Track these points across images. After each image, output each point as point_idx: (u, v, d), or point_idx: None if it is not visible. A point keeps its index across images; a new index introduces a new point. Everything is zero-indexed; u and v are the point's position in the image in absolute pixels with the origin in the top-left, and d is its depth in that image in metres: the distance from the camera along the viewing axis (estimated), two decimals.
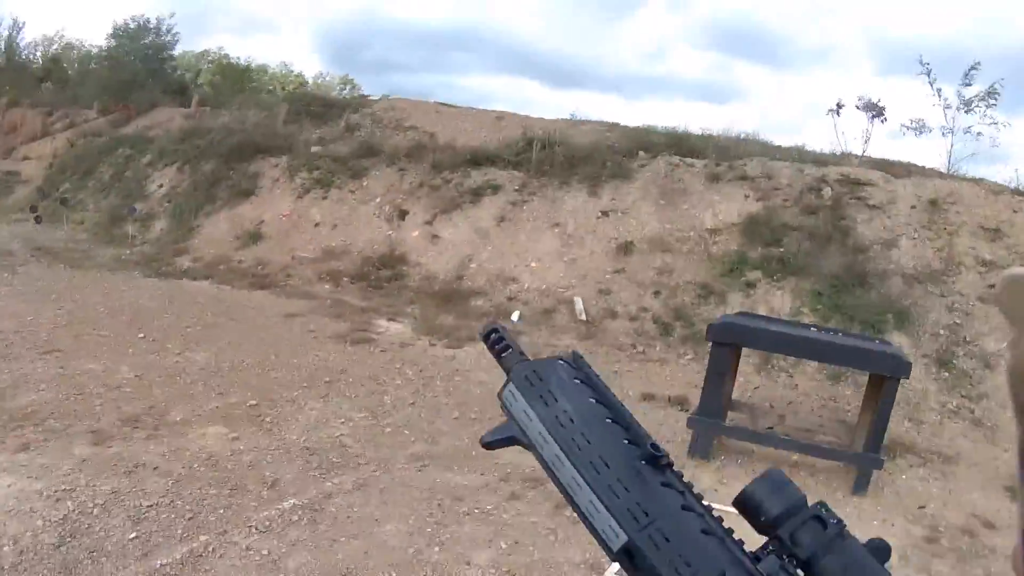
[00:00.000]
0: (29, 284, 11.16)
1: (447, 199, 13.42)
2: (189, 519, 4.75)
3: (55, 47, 33.19)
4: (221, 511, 4.89)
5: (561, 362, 0.72)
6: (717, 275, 10.66)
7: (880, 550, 0.59)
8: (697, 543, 0.58)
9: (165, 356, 8.07)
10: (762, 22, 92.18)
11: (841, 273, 10.16)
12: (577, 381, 0.70)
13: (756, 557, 0.60)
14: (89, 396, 6.70)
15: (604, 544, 0.61)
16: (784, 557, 0.59)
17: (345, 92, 32.16)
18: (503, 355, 0.76)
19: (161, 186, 17.29)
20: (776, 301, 10.08)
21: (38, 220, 15.47)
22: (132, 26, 27.28)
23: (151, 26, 27.42)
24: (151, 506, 4.85)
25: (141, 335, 8.74)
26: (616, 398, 0.69)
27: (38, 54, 32.85)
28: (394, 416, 6.94)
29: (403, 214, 13.51)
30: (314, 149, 16.06)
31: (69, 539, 4.37)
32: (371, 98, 20.13)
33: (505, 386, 0.71)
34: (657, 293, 10.66)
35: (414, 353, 9.06)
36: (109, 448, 5.67)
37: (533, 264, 11.71)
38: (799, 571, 0.59)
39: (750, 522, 0.62)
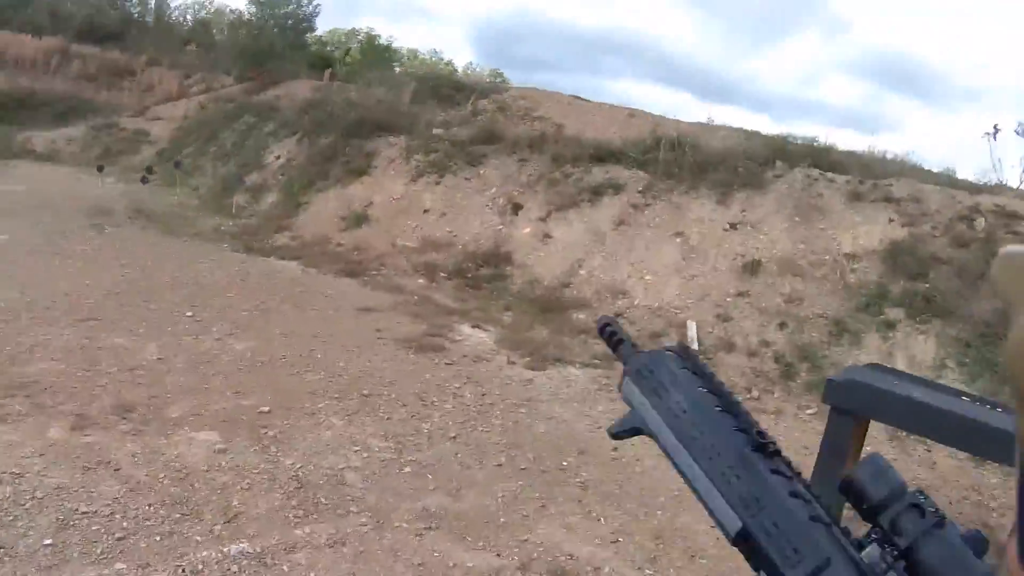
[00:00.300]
0: (107, 247, 10.85)
1: (565, 195, 12.16)
2: (118, 539, 3.92)
3: (205, 11, 33.66)
4: (157, 538, 3.98)
5: (669, 353, 0.78)
6: (853, 309, 8.98)
7: (978, 541, 0.60)
8: (805, 530, 0.61)
9: (202, 340, 7.31)
10: (919, 57, 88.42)
11: (993, 321, 8.35)
12: (686, 371, 0.75)
13: (860, 544, 0.62)
14: (97, 375, 6.09)
15: (723, 529, 0.65)
16: (885, 546, 0.60)
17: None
18: (618, 348, 0.83)
19: (278, 157, 16.90)
20: (918, 348, 8.35)
21: (144, 181, 15.27)
22: None
23: None
24: (86, 513, 4.11)
25: (189, 313, 8.07)
26: (725, 386, 0.74)
27: (188, 16, 33.40)
28: (424, 452, 5.63)
29: (517, 208, 12.45)
30: (435, 131, 15.28)
31: None
32: (503, 84, 19.28)
33: (623, 379, 0.78)
34: (783, 325, 9.04)
35: (485, 371, 7.73)
36: (84, 437, 5.01)
37: (648, 277, 10.30)
38: (900, 560, 0.60)
39: (854, 507, 0.64)
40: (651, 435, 0.72)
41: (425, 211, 13.14)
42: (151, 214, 13.85)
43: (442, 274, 11.19)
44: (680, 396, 0.71)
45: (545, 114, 15.59)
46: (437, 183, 13.68)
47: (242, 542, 4.08)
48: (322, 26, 28.76)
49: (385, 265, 11.67)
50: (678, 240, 10.63)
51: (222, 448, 5.12)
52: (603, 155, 12.73)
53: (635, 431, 0.74)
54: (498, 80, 33.93)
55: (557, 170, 12.66)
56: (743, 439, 0.67)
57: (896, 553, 0.59)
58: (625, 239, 10.97)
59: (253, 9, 27.27)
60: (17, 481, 4.38)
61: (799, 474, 0.67)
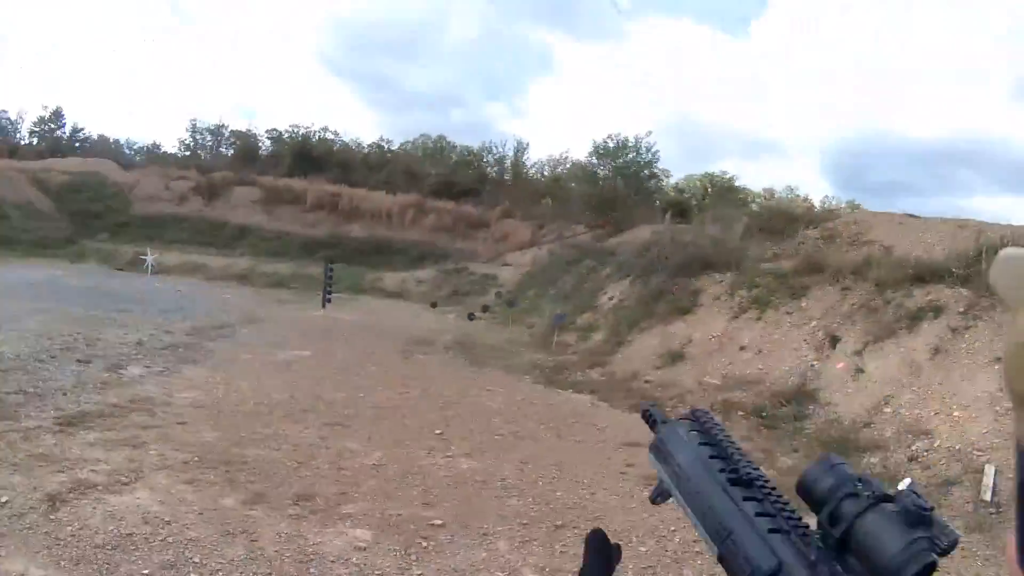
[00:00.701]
0: (405, 370, 11.76)
1: (883, 324, 10.74)
2: None
3: (561, 167, 35.76)
4: None
5: (682, 421, 0.85)
6: None
7: (913, 515, 0.62)
8: (761, 542, 0.69)
9: (433, 456, 7.41)
10: None
11: None
12: (694, 433, 0.83)
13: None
14: (305, 467, 6.53)
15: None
16: (826, 539, 0.65)
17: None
18: (653, 428, 0.87)
19: (611, 298, 17.26)
20: None
21: (471, 318, 16.38)
22: (611, 145, 28.27)
23: (629, 144, 28.19)
24: (195, 564, 4.48)
25: (439, 431, 8.26)
26: (724, 435, 0.82)
27: (545, 172, 35.66)
28: None
29: (834, 341, 11.23)
30: (763, 266, 14.66)
31: None
32: (835, 211, 18.18)
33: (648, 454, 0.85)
34: None
35: None
36: (250, 510, 5.39)
37: (956, 413, 8.60)
38: (838, 548, 0.65)
39: (810, 507, 0.69)
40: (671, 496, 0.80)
41: (741, 348, 12.41)
42: (472, 347, 14.75)
43: (739, 412, 10.26)
44: (680, 458, 0.80)
45: (875, 237, 14.29)
46: (758, 319, 12.91)
47: None
48: (677, 173, 29.33)
49: (684, 402, 10.89)
50: (997, 366, 8.81)
51: (363, 547, 5.02)
52: (924, 274, 11.12)
53: (665, 494, 0.82)
54: (853, 210, 32.36)
55: (879, 296, 11.41)
56: (724, 477, 0.76)
57: (831, 542, 0.64)
58: (940, 370, 9.32)
59: (595, 161, 28.50)
60: (162, 526, 4.86)
61: (779, 496, 0.74)
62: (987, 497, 7.06)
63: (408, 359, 12.57)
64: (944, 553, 0.62)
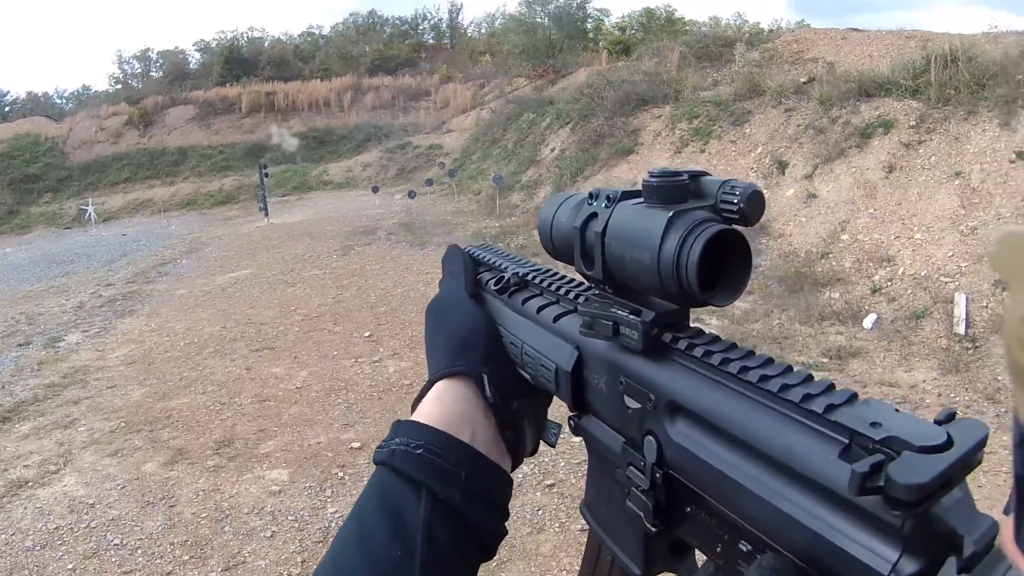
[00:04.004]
0: (341, 269, 11.59)
1: (831, 144, 10.45)
2: (124, 573, 4.27)
3: (499, 21, 34.80)
4: None
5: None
6: None
7: (664, 191, 0.55)
8: (552, 336, 0.68)
9: (359, 364, 7.38)
10: None
11: None
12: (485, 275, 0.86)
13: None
14: (229, 407, 6.57)
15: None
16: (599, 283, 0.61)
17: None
18: None
19: (553, 149, 16.89)
20: None
21: (411, 196, 15.98)
22: None
23: None
24: (116, 546, 4.55)
25: (368, 334, 8.24)
26: (490, 252, 0.87)
27: (483, 30, 34.75)
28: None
29: (783, 167, 11.02)
30: (703, 94, 14.16)
31: None
32: (774, 31, 17.56)
33: None
34: None
35: None
36: (170, 471, 5.45)
37: (918, 236, 8.37)
38: None
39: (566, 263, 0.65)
40: None
41: None
42: (417, 227, 14.59)
43: None
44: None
45: (817, 54, 13.75)
46: (702, 151, 12.68)
47: None
48: (618, 12, 28.39)
49: None
50: (956, 182, 8.54)
51: (277, 490, 5.10)
52: (871, 88, 10.75)
53: None
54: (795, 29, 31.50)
55: (825, 115, 11.01)
56: (494, 289, 0.80)
57: (603, 280, 0.59)
58: (897, 189, 9.06)
59: (527, 10, 27.49)
60: (86, 511, 4.97)
61: (561, 277, 0.74)
62: (960, 329, 6.81)
63: (347, 255, 12.51)
64: (738, 220, 0.52)
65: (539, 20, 26.65)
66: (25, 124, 34.19)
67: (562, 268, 0.77)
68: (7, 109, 51.33)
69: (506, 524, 0.70)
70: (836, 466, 0.40)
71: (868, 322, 7.31)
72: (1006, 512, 0.34)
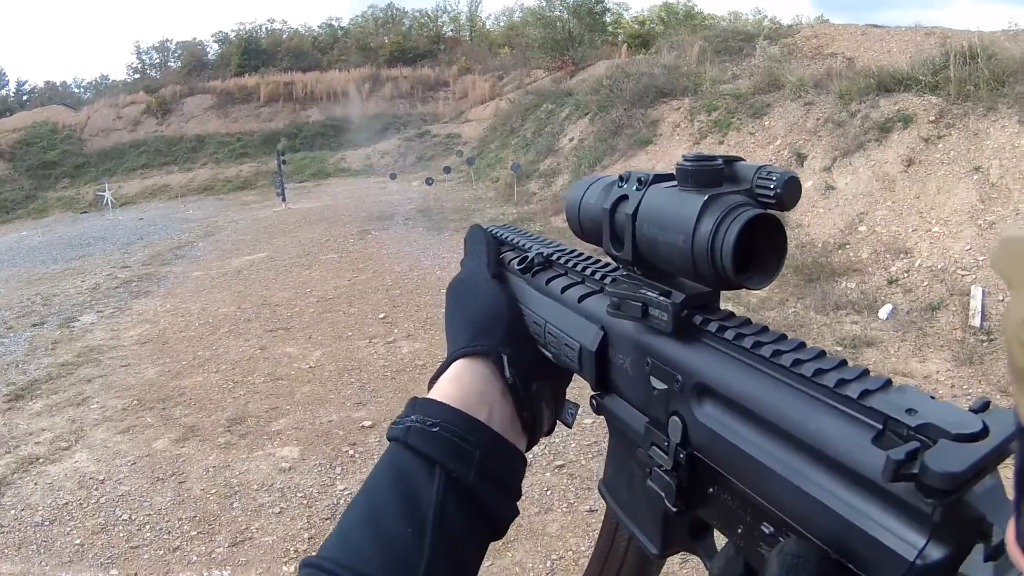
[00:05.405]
0: (357, 253, 11.59)
1: (850, 137, 10.35)
2: (131, 547, 4.30)
3: (517, 15, 34.83)
4: (161, 552, 4.20)
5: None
6: None
7: (701, 175, 0.55)
8: (576, 316, 0.69)
9: (374, 344, 7.35)
10: None
11: None
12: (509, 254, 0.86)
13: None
14: (241, 385, 6.58)
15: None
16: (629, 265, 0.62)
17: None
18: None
19: (571, 139, 16.84)
20: None
21: (429, 183, 15.92)
22: None
23: None
24: (125, 521, 4.57)
25: (383, 315, 8.21)
26: (514, 233, 0.87)
27: (502, 22, 34.76)
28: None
29: (801, 159, 10.92)
30: (722, 87, 14.12)
31: None
32: (794, 26, 17.50)
33: None
34: None
35: None
36: (181, 448, 5.47)
37: (936, 229, 8.28)
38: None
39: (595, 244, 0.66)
40: None
41: None
42: (435, 212, 14.54)
43: None
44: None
45: (837, 49, 13.72)
46: (720, 142, 12.60)
47: (225, 569, 4.04)
48: (637, 5, 28.39)
49: None
50: (975, 177, 8.42)
51: (287, 467, 5.09)
52: (889, 83, 10.64)
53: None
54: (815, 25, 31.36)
55: (844, 109, 10.94)
56: (517, 269, 0.79)
57: (633, 262, 0.59)
58: (915, 183, 8.97)
59: (546, 3, 27.47)
60: (96, 487, 4.99)
61: (587, 258, 0.74)
62: (976, 322, 6.70)
63: (363, 239, 12.48)
64: (774, 205, 0.51)
65: (558, 13, 26.62)
66: (43, 112, 34.31)
67: (587, 249, 0.77)
68: (25, 98, 51.53)
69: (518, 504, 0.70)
70: (869, 452, 0.40)
71: (884, 312, 7.20)
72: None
